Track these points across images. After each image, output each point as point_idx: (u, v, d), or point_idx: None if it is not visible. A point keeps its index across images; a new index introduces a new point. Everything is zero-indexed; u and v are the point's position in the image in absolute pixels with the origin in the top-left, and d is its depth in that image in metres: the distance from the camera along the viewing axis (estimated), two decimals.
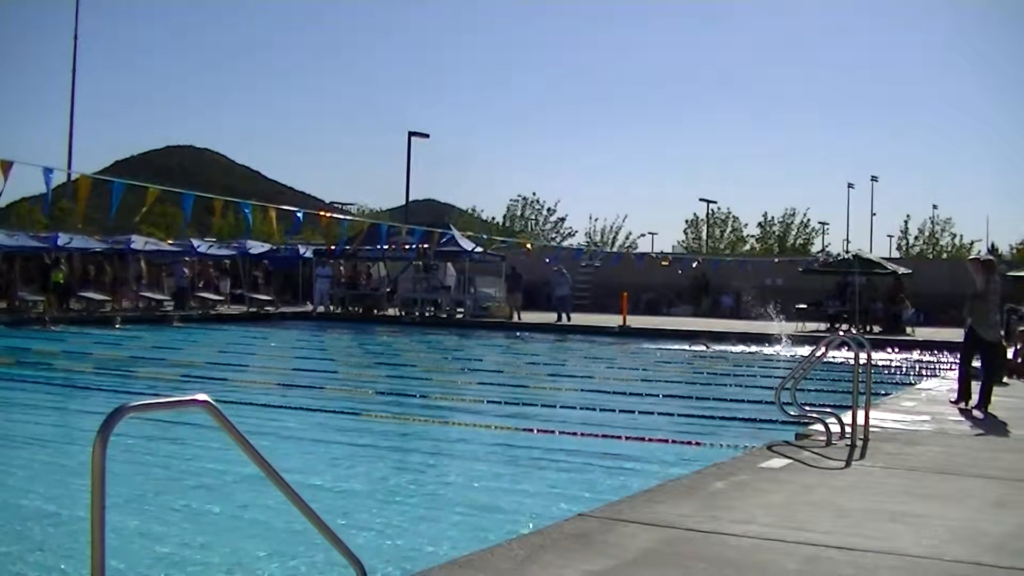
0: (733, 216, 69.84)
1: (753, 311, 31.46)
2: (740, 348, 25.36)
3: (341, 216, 32.01)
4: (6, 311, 28.18)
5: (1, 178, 15.25)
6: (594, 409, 13.17)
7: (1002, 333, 12.17)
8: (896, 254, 64.76)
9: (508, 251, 35.80)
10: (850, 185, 68.91)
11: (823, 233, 70.31)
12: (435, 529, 7.00)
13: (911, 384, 15.59)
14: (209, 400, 3.31)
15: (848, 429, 8.47)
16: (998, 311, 11.70)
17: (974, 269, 11.29)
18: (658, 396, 14.45)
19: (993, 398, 11.12)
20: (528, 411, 13.10)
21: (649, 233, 72.13)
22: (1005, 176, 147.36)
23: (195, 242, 37.24)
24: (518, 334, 28.22)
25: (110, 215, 18.45)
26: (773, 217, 69.47)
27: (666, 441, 10.45)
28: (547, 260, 33.08)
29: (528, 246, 35.71)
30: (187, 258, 34.92)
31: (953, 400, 11.45)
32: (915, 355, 23.40)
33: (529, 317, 31.82)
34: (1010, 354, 15.18)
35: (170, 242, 37.18)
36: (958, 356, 12.30)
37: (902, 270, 32.59)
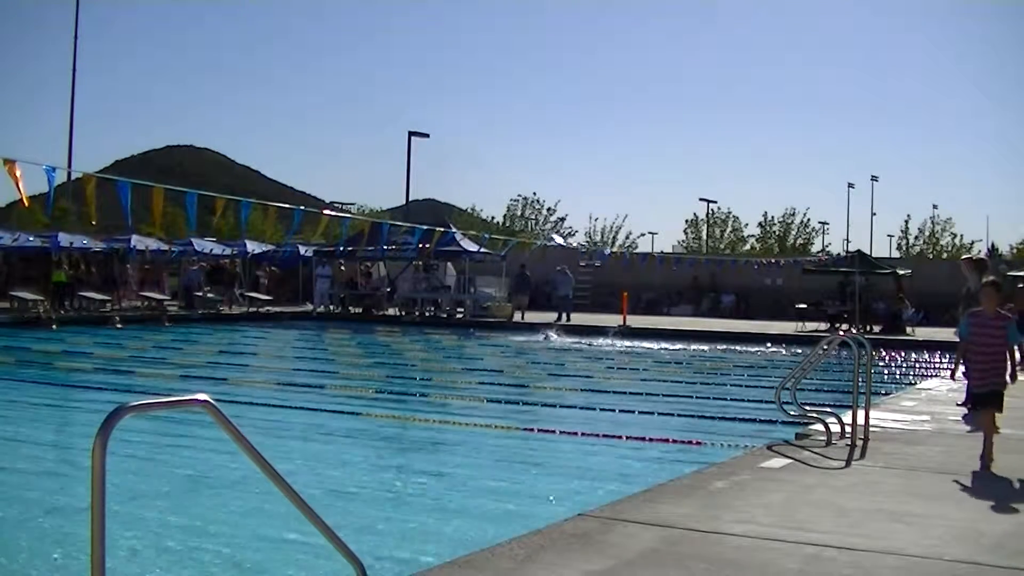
0: (733, 216, 70.01)
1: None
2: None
3: (341, 216, 32.02)
4: (4, 311, 28.14)
5: (13, 179, 15.25)
6: (594, 408, 13.17)
7: None
8: (896, 254, 64.83)
9: (514, 250, 35.62)
10: (850, 185, 68.92)
11: (823, 233, 70.48)
12: (435, 528, 7.00)
13: (911, 384, 15.59)
14: (209, 400, 3.31)
15: (848, 429, 8.47)
16: None
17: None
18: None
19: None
20: (528, 410, 13.10)
21: (649, 233, 72.41)
22: (1005, 176, 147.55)
23: (196, 242, 37.25)
24: (544, 336, 27.97)
25: (126, 218, 18.43)
26: (773, 217, 69.62)
27: (666, 441, 10.45)
28: (557, 268, 33.02)
29: (529, 246, 35.70)
30: (194, 258, 34.98)
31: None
32: (915, 355, 23.42)
33: (529, 317, 31.79)
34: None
35: (171, 246, 37.15)
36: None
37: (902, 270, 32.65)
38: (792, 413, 9.51)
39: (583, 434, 10.90)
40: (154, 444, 9.91)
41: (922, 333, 28.20)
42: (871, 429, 8.69)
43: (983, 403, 7.46)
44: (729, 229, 69.77)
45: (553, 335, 27.65)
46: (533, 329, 28.43)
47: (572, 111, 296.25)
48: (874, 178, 69.41)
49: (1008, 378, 7.47)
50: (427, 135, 42.64)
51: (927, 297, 33.96)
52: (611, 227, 67.83)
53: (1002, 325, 7.39)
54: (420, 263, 34.47)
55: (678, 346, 25.37)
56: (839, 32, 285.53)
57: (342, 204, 70.41)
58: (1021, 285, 16.81)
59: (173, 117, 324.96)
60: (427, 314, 33.29)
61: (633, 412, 12.71)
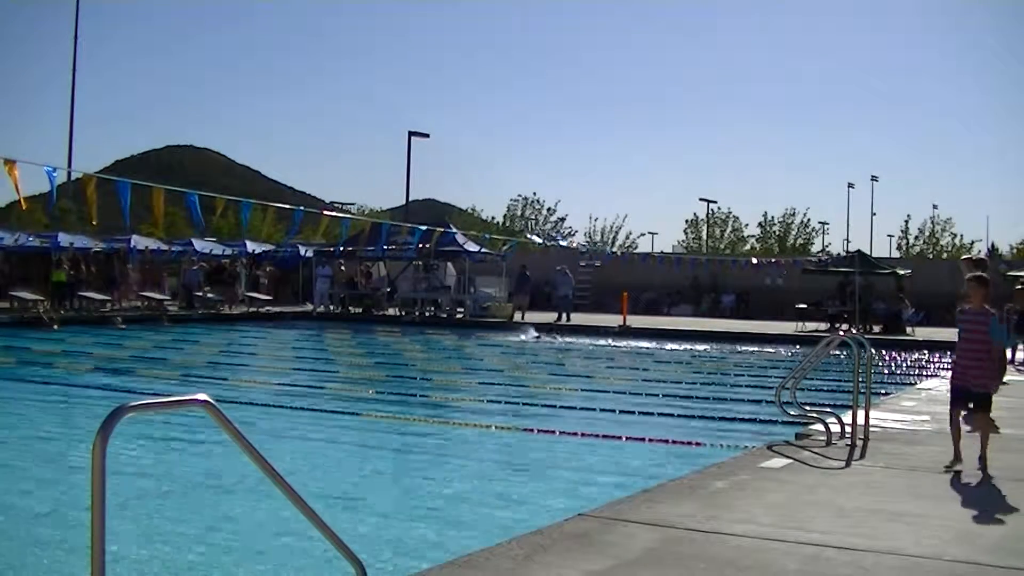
0: (733, 216, 70.00)
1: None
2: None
3: (341, 216, 32.01)
4: (4, 311, 28.11)
5: (13, 180, 15.30)
6: (594, 408, 13.17)
7: None
8: (896, 254, 64.80)
9: (514, 250, 35.54)
10: (850, 185, 68.86)
11: (823, 233, 70.43)
12: (435, 528, 7.00)
13: (911, 384, 15.59)
14: (209, 400, 3.31)
15: (848, 429, 8.47)
16: None
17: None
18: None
19: (993, 398, 11.08)
20: (528, 410, 13.11)
21: (649, 233, 72.36)
22: (1005, 176, 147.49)
23: (196, 242, 37.24)
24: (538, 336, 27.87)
25: (125, 218, 18.42)
26: (773, 217, 69.59)
27: (666, 441, 10.45)
28: (557, 268, 32.99)
29: (531, 245, 35.73)
30: (194, 258, 34.95)
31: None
32: (915, 355, 23.41)
33: (529, 317, 31.77)
34: (1009, 354, 15.19)
35: (171, 246, 37.14)
36: None
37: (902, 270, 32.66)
38: (792, 413, 9.51)
39: (583, 434, 10.90)
40: (155, 444, 9.91)
41: (922, 333, 28.18)
42: (871, 429, 8.69)
43: (972, 404, 7.29)
44: (729, 229, 69.75)
45: (551, 335, 27.66)
46: (533, 329, 28.43)
47: (572, 111, 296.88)
48: (874, 178, 69.41)
49: (990, 379, 7.30)
50: (427, 135, 42.62)
51: (927, 297, 33.95)
52: (611, 227, 67.93)
53: (984, 320, 7.19)
54: (420, 263, 34.46)
55: (678, 346, 25.37)
56: (839, 32, 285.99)
57: (342, 204, 70.42)
58: (1020, 286, 16.78)
59: (173, 117, 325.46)
60: (427, 314, 33.27)
61: (633, 412, 12.71)
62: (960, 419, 7.49)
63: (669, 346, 25.29)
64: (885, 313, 30.12)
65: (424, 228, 29.57)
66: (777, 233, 69.02)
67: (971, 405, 7.33)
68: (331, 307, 34.61)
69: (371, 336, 27.56)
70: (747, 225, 70.36)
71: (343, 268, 35.65)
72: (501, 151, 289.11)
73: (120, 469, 8.23)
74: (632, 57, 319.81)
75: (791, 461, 7.48)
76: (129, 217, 18.66)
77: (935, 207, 74.87)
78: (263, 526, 6.90)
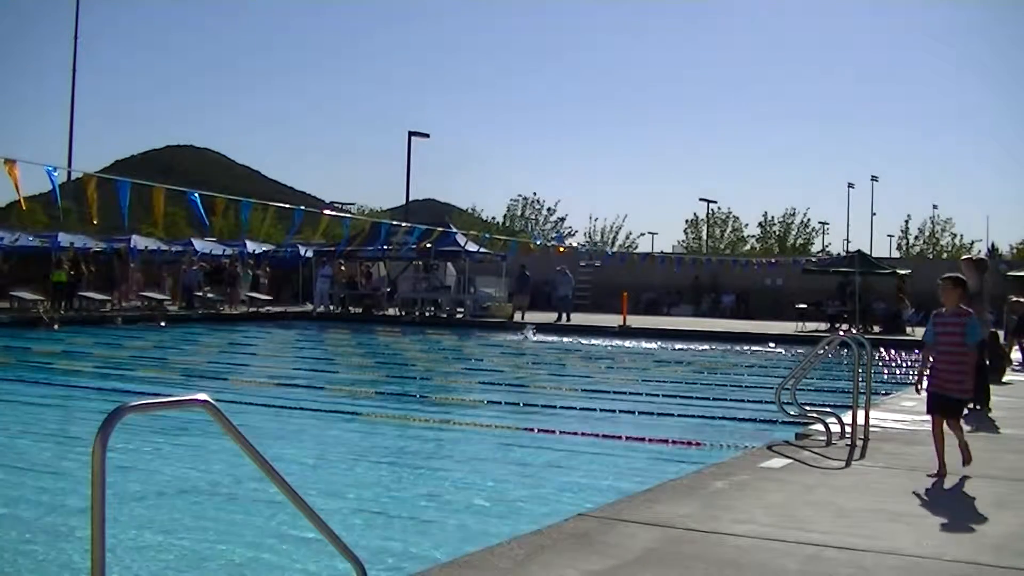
0: (733, 216, 70.04)
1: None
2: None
3: (341, 216, 32.02)
4: (4, 311, 28.10)
5: (13, 180, 15.33)
6: (593, 409, 13.17)
7: (1000, 333, 12.18)
8: (896, 254, 64.82)
9: (514, 251, 35.50)
10: (850, 185, 68.94)
11: (823, 233, 70.48)
12: (435, 529, 7.00)
13: (911, 384, 15.56)
14: (209, 400, 3.31)
15: (848, 429, 8.47)
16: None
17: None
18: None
19: (993, 398, 11.10)
20: (528, 410, 13.10)
21: (649, 233, 72.45)
22: (1005, 176, 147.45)
23: (196, 242, 37.22)
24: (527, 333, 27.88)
25: (123, 218, 18.40)
26: (773, 217, 69.62)
27: (666, 441, 10.45)
28: (557, 268, 32.96)
29: (531, 246, 35.74)
30: (194, 258, 34.95)
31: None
32: (915, 355, 23.39)
33: (529, 317, 31.77)
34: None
35: (171, 246, 37.16)
36: None
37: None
38: (792, 413, 9.52)
39: (583, 434, 10.89)
40: (155, 444, 9.91)
41: (922, 333, 28.15)
42: (871, 429, 8.69)
43: (947, 411, 7.04)
44: (729, 229, 69.78)
45: (533, 334, 27.53)
46: (531, 330, 28.41)
47: (572, 111, 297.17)
48: (874, 178, 69.45)
49: (969, 385, 7.14)
50: (427, 135, 42.63)
51: (927, 297, 33.93)
52: (611, 227, 67.96)
53: (960, 322, 7.03)
54: (420, 263, 34.45)
55: (678, 346, 25.37)
56: (839, 32, 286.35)
57: (342, 204, 70.44)
58: (1015, 299, 16.88)
59: (173, 117, 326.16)
60: (427, 314, 33.27)
61: (633, 412, 12.71)
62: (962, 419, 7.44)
63: (669, 346, 25.29)
64: (885, 313, 30.13)
65: (424, 228, 29.57)
66: (777, 233, 69.05)
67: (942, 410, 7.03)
68: (331, 307, 34.60)
69: (371, 336, 27.54)
70: (747, 225, 70.49)
71: (343, 268, 35.64)
72: (501, 150, 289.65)
73: (120, 469, 8.23)
74: (632, 57, 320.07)
75: (791, 461, 7.48)
76: (129, 217, 18.64)
77: (935, 207, 75.11)
78: (263, 526, 6.90)
